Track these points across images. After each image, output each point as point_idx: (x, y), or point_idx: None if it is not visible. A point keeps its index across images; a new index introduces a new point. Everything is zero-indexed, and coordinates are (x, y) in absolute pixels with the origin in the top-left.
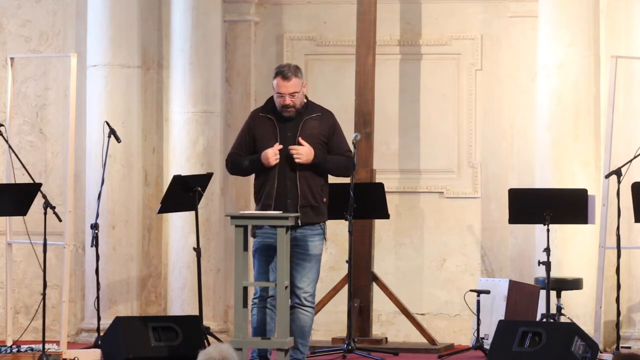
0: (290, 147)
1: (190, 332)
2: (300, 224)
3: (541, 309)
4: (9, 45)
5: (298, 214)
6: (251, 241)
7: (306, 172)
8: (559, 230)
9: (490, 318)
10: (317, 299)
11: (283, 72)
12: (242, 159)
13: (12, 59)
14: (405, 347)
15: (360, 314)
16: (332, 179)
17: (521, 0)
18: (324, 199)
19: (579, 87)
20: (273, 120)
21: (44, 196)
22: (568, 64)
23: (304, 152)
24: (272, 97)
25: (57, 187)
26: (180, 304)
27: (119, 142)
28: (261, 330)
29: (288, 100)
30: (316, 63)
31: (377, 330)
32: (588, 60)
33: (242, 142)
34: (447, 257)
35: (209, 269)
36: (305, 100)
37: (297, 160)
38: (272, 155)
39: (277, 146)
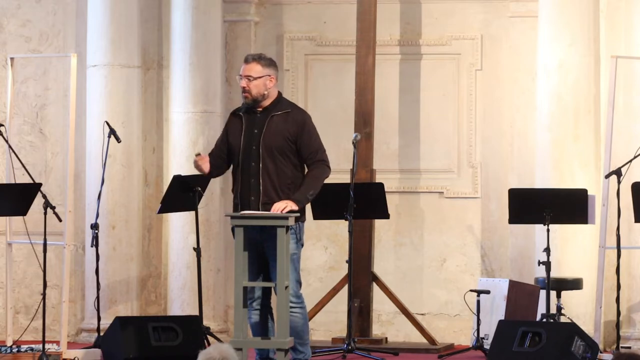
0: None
1: (190, 332)
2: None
3: (541, 309)
4: (9, 45)
5: (298, 214)
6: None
7: (270, 169)
8: (559, 230)
9: (490, 318)
10: (317, 299)
11: (247, 56)
12: None
13: (12, 59)
14: (405, 347)
15: (360, 314)
16: (331, 179)
17: (521, 0)
18: None
19: (579, 87)
20: (241, 117)
21: (44, 196)
22: (568, 64)
23: (286, 204)
24: None
25: (57, 187)
26: (180, 304)
27: (119, 142)
28: (260, 332)
29: (243, 82)
30: (316, 63)
31: (377, 330)
32: (588, 60)
33: (219, 141)
34: (447, 257)
35: (209, 269)
36: (276, 96)
37: (286, 211)
38: (197, 164)
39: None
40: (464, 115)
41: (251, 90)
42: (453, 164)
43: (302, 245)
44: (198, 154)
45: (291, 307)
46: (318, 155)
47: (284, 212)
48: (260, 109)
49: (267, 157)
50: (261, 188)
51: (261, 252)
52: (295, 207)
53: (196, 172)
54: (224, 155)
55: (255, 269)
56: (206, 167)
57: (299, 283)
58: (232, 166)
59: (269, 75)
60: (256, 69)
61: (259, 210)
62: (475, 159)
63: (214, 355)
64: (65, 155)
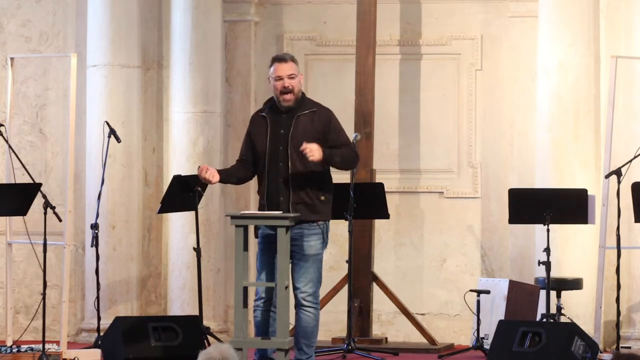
0: (302, 148)
1: (190, 332)
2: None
3: (541, 309)
4: (9, 45)
5: (298, 214)
6: (252, 240)
7: (299, 169)
8: (559, 230)
9: (490, 318)
10: None
11: (279, 56)
12: None
13: (12, 59)
14: (405, 347)
15: (360, 314)
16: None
17: (521, 0)
18: (322, 197)
19: (579, 87)
20: (266, 118)
21: (44, 196)
22: (568, 64)
23: (315, 149)
24: (269, 99)
25: (57, 187)
26: (180, 304)
27: (119, 142)
28: (263, 332)
29: (287, 82)
30: (316, 63)
31: (377, 330)
32: (588, 60)
33: (244, 145)
34: (447, 257)
35: (209, 269)
36: (300, 95)
37: (310, 159)
38: (203, 175)
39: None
40: (464, 115)
41: (294, 89)
42: (453, 164)
43: (326, 245)
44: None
45: (306, 307)
46: (343, 143)
47: (309, 153)
48: (285, 109)
49: (295, 158)
50: (291, 188)
51: (271, 248)
52: (320, 156)
53: (196, 172)
54: (251, 160)
55: (274, 269)
56: (215, 177)
57: (319, 283)
58: (256, 168)
59: (300, 74)
60: (294, 67)
61: (289, 210)
62: (475, 159)
63: (214, 355)
64: (65, 155)
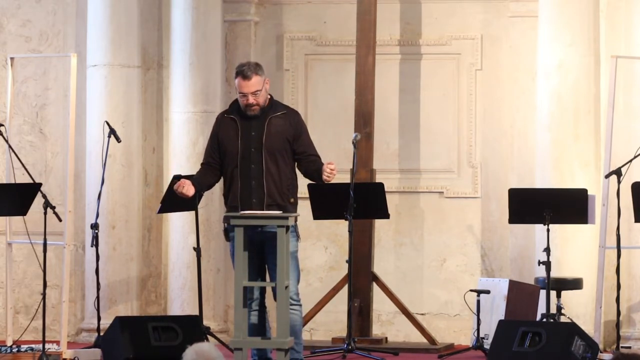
0: (332, 168)
1: (190, 332)
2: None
3: (541, 309)
4: (9, 45)
5: (297, 214)
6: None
7: (272, 171)
8: (559, 230)
9: (490, 318)
10: (317, 299)
11: (243, 72)
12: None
13: (12, 59)
14: (405, 347)
15: (360, 314)
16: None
17: (521, 0)
18: (291, 200)
19: (579, 87)
20: (236, 121)
21: (44, 196)
22: (568, 64)
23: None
24: (235, 100)
25: (57, 187)
26: (180, 304)
27: (119, 142)
28: (258, 332)
29: (251, 100)
30: (316, 63)
31: (377, 330)
32: (588, 60)
33: (210, 148)
34: (447, 257)
35: (209, 269)
36: (269, 98)
37: (328, 179)
38: (180, 191)
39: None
40: (464, 115)
41: (259, 103)
42: (453, 164)
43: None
44: (176, 181)
45: (294, 305)
46: (315, 152)
47: (333, 174)
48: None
49: (269, 160)
50: (265, 190)
51: (260, 252)
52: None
53: (196, 173)
54: (219, 162)
55: (256, 269)
56: (190, 190)
57: (299, 281)
58: (224, 169)
59: (265, 80)
60: (258, 80)
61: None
62: (475, 159)
63: (194, 358)
64: (65, 155)
